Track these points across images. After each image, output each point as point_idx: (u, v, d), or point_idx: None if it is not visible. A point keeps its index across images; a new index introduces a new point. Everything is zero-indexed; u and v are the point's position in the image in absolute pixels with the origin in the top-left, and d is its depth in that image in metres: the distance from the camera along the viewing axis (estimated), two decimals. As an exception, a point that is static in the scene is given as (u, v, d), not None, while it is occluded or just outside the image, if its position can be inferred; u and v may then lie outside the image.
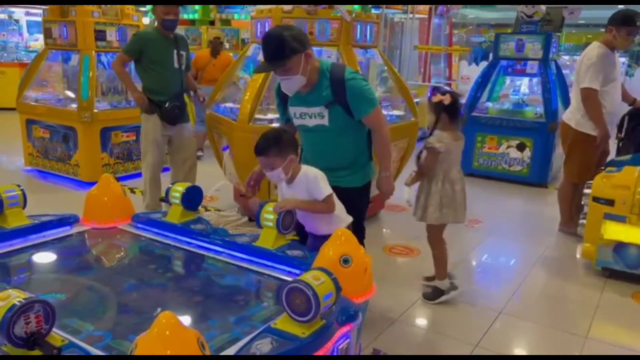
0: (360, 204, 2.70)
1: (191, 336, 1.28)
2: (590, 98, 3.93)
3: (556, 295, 3.43)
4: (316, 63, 2.44)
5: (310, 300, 1.50)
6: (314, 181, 2.36)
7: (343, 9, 3.83)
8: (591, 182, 3.62)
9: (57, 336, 1.46)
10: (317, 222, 2.43)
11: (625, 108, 4.42)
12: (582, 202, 3.75)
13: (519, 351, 2.75)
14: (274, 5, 3.99)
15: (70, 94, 5.65)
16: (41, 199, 4.70)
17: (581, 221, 3.81)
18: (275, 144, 2.33)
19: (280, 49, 2.29)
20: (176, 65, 3.99)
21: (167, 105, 3.92)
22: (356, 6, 5.12)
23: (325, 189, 2.35)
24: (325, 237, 2.35)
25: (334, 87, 2.42)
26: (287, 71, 2.35)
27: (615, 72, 4.03)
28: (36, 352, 1.37)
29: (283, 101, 2.62)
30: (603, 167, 3.79)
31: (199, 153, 6.55)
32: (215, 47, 6.38)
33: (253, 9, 4.50)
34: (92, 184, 2.73)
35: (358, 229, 2.70)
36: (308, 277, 1.56)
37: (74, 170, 5.34)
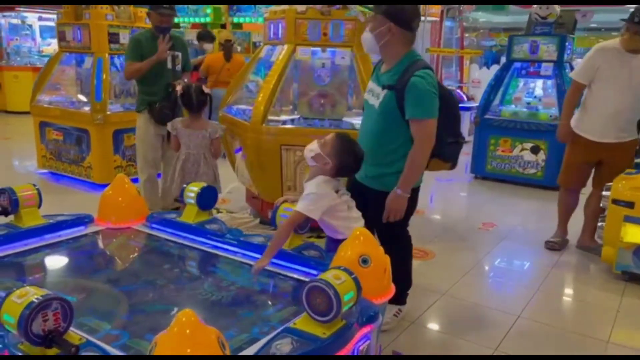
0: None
1: (211, 335, 1.25)
2: (569, 88, 3.92)
3: (575, 299, 3.37)
4: (404, 49, 2.44)
5: (332, 300, 1.46)
6: (306, 192, 2.20)
7: (357, 9, 3.81)
8: (610, 184, 3.55)
9: (75, 335, 1.44)
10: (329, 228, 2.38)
11: None
12: (601, 205, 3.67)
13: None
14: (287, 6, 3.98)
15: (83, 98, 5.67)
16: (54, 201, 4.70)
17: (600, 224, 3.74)
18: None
19: (380, 4, 2.41)
20: (169, 65, 4.07)
21: (157, 105, 4.00)
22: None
23: (303, 206, 2.14)
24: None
25: (401, 76, 2.39)
26: (369, 22, 2.52)
27: (617, 72, 3.62)
28: (54, 351, 1.35)
29: None
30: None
31: None
32: (228, 50, 6.37)
33: (266, 11, 4.49)
34: (105, 186, 2.72)
35: (397, 237, 2.71)
36: (329, 276, 1.52)
37: (87, 172, 5.35)
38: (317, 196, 2.15)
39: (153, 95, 4.04)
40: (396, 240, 2.69)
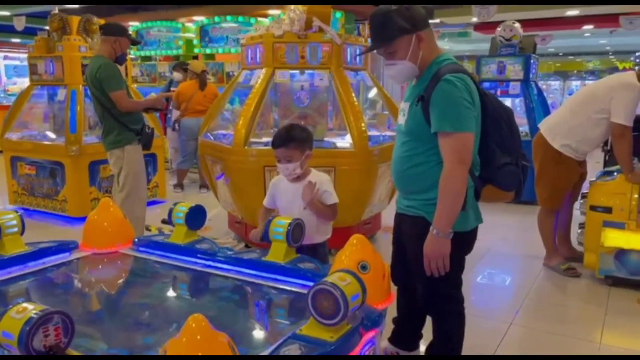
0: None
1: (222, 339, 1.22)
2: (624, 137, 3.44)
3: (563, 306, 3.41)
4: (433, 53, 2.01)
5: (339, 302, 1.45)
6: (327, 184, 2.44)
7: (333, 32, 3.89)
8: (586, 191, 3.65)
9: (76, 352, 1.38)
10: (313, 231, 2.43)
11: None
12: (581, 213, 3.75)
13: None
14: (265, 31, 4.04)
15: (53, 135, 5.54)
16: (28, 237, 4.55)
17: (579, 231, 3.83)
18: (296, 137, 2.41)
19: (384, 28, 1.95)
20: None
21: (147, 130, 3.92)
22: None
23: (334, 195, 2.45)
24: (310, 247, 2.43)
25: (429, 83, 1.95)
26: (392, 55, 1.98)
27: None
28: (55, 367, 1.29)
29: None
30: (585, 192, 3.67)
31: (178, 190, 6.52)
32: (203, 80, 6.41)
33: (242, 37, 4.54)
34: (81, 219, 2.68)
35: (444, 297, 2.15)
36: (334, 278, 1.51)
37: (62, 206, 5.21)
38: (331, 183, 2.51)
39: (135, 123, 3.85)
40: (442, 301, 2.15)
